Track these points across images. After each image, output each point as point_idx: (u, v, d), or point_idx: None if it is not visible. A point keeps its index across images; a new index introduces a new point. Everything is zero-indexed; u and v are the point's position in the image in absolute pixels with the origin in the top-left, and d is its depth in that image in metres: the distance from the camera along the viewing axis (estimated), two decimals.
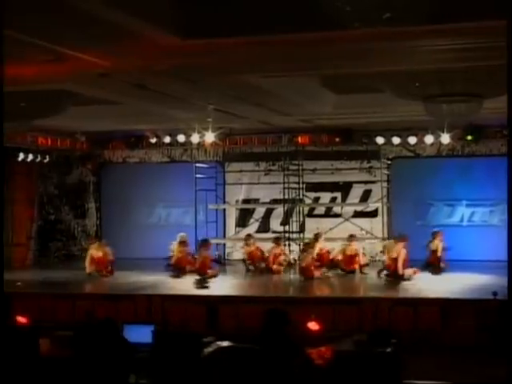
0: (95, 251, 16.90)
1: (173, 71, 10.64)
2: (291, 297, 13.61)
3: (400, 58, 10.37)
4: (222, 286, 14.83)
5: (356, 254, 16.48)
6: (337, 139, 18.56)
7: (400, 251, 15.31)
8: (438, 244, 16.52)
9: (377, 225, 18.90)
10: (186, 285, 14.86)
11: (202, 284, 14.58)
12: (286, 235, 18.19)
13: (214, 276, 15.42)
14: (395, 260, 15.28)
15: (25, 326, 8.38)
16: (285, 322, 7.00)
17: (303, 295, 13.86)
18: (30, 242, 19.90)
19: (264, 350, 6.74)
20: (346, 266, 16.50)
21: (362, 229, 18.94)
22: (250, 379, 6.64)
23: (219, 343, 7.09)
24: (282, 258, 16.83)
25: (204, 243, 16.32)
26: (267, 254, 17.00)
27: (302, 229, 18.93)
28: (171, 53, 9.05)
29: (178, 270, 16.31)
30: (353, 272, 16.42)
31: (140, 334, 7.82)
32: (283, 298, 12.89)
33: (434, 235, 16.59)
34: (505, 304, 9.75)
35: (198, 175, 18.92)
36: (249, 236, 17.77)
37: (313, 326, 8.55)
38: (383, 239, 18.25)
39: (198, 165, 19.21)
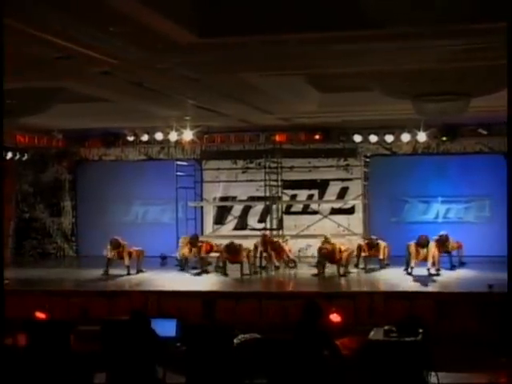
0: None
1: (177, 69, 10.72)
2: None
3: (391, 59, 10.66)
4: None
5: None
6: (316, 137, 18.76)
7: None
8: None
9: (354, 221, 19.19)
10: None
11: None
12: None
13: None
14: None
15: (56, 322, 8.36)
16: (320, 314, 7.18)
17: None
18: (9, 240, 19.73)
19: (297, 341, 6.91)
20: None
21: (339, 225, 19.22)
22: (284, 368, 6.82)
23: (245, 335, 7.27)
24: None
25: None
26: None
27: (279, 226, 19.12)
28: (185, 50, 9.12)
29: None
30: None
31: (164, 328, 7.91)
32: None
33: None
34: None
35: (178, 173, 18.94)
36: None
37: (335, 317, 8.78)
38: (363, 236, 18.50)
39: (177, 163, 19.23)
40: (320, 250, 15.87)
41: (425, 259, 15.50)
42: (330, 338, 7.06)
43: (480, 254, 17.46)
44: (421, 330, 6.85)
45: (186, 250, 16.81)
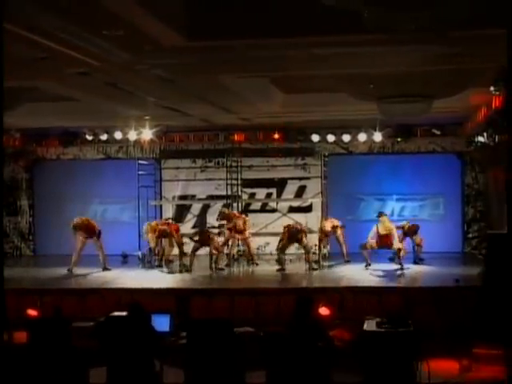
0: None
1: (155, 70, 10.93)
2: None
3: (359, 63, 11.07)
4: None
5: None
6: (276, 137, 19.14)
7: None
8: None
9: (312, 219, 19.57)
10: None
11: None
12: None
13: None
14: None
15: (57, 318, 8.47)
16: (312, 307, 7.49)
17: None
18: None
19: (292, 334, 7.21)
20: None
21: (297, 223, 19.53)
22: (282, 360, 7.11)
23: (239, 329, 7.54)
24: None
25: None
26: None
27: None
28: (171, 52, 9.35)
29: None
30: None
31: (158, 323, 8.12)
32: None
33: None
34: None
35: (140, 172, 19.10)
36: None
37: (324, 311, 9.12)
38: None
39: (140, 162, 19.39)
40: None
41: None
42: (325, 330, 7.39)
43: (434, 250, 18.03)
44: (410, 321, 7.23)
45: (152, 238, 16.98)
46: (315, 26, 8.84)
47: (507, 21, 6.55)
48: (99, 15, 7.80)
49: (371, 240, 16.23)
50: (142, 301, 12.59)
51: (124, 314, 7.97)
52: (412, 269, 15.87)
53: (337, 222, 17.46)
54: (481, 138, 15.16)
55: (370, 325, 7.48)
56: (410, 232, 16.97)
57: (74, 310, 12.44)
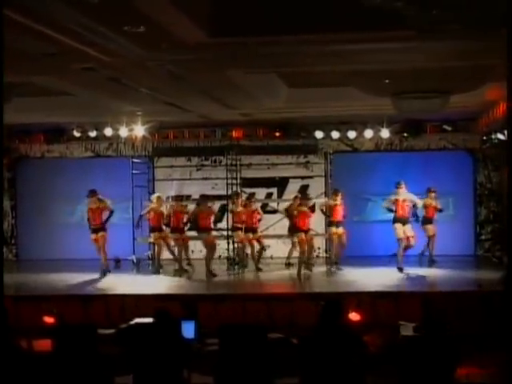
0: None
1: (168, 66, 11.31)
2: None
3: (378, 59, 11.50)
4: None
5: None
6: (277, 134, 19.53)
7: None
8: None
9: (315, 220, 19.80)
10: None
11: None
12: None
13: None
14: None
15: (83, 326, 8.83)
16: (341, 312, 7.89)
17: None
18: None
19: (324, 340, 7.61)
20: None
21: None
22: (315, 367, 7.51)
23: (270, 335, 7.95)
24: None
25: None
26: None
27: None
28: (190, 49, 9.74)
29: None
30: None
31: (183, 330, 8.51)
32: None
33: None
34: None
35: (133, 171, 19.44)
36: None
37: (354, 316, 9.55)
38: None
39: (133, 160, 19.70)
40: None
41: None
42: (358, 336, 7.80)
43: (444, 253, 18.51)
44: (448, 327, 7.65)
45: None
46: (336, 22, 9.25)
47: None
48: (124, 11, 8.16)
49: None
50: (146, 307, 13.21)
51: (148, 320, 8.34)
52: (430, 272, 16.34)
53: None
54: (500, 135, 15.61)
55: (406, 330, 7.91)
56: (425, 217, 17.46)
57: (75, 317, 12.77)
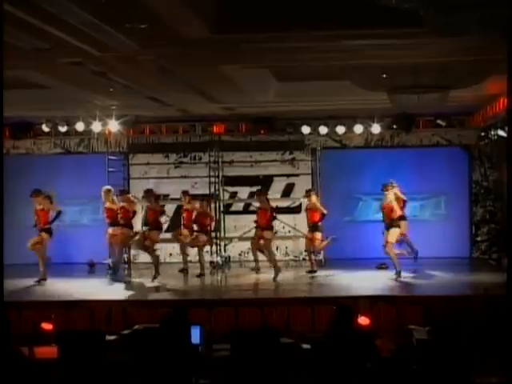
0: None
1: (159, 61, 11.86)
2: None
3: (377, 54, 12.10)
4: None
5: None
6: (261, 131, 20.09)
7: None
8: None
9: (301, 221, 20.18)
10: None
11: None
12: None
13: None
14: None
15: (90, 332, 9.33)
16: (352, 317, 8.53)
17: None
18: None
19: (336, 345, 8.24)
20: None
21: (284, 226, 20.51)
22: (327, 372, 8.13)
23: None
24: None
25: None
26: None
27: (216, 227, 20.23)
28: (188, 45, 10.29)
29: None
30: None
31: None
32: None
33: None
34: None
35: (110, 169, 19.91)
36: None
37: (363, 321, 10.15)
38: None
39: (109, 157, 20.16)
40: None
41: None
42: (370, 340, 8.42)
43: (439, 255, 19.23)
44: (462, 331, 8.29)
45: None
46: (341, 19, 9.86)
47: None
48: (129, 8, 8.69)
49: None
50: (134, 313, 13.76)
51: (153, 326, 8.88)
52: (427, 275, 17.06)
53: None
54: (500, 132, 16.22)
55: (420, 334, 8.50)
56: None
57: (60, 324, 13.20)
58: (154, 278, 17.09)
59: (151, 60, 11.86)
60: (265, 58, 11.77)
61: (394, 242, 17.10)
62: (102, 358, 8.39)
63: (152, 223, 17.83)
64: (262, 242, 17.72)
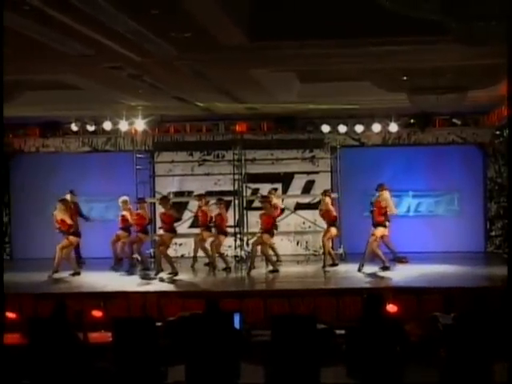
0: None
1: (195, 66, 12.51)
2: None
3: (400, 59, 12.72)
4: None
5: None
6: (279, 129, 20.70)
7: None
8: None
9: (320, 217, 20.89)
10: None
11: None
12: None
13: None
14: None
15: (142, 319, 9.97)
16: (382, 304, 9.15)
17: None
18: None
19: (368, 330, 8.88)
20: None
21: (305, 221, 21.17)
22: (359, 356, 8.78)
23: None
24: None
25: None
26: None
27: (240, 223, 20.90)
28: (227, 51, 10.93)
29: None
30: None
31: None
32: None
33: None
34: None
35: (137, 167, 20.55)
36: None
37: (391, 308, 10.81)
38: None
39: (137, 155, 20.80)
40: None
41: None
42: (400, 326, 9.07)
43: (454, 249, 19.89)
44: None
45: None
46: (368, 27, 10.49)
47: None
48: (175, 18, 9.34)
49: None
50: (168, 304, 14.40)
51: (198, 312, 9.54)
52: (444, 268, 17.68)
53: None
54: None
55: (445, 319, 9.14)
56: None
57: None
58: (157, 272, 17.80)
59: (187, 64, 12.50)
60: (295, 63, 12.40)
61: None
62: (153, 342, 9.05)
63: (167, 227, 18.43)
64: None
